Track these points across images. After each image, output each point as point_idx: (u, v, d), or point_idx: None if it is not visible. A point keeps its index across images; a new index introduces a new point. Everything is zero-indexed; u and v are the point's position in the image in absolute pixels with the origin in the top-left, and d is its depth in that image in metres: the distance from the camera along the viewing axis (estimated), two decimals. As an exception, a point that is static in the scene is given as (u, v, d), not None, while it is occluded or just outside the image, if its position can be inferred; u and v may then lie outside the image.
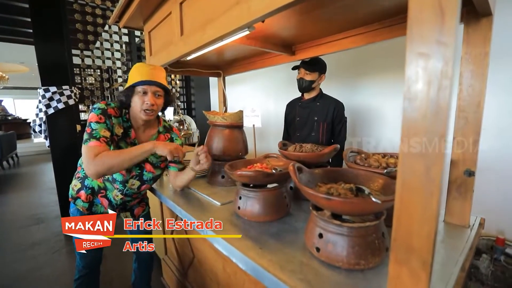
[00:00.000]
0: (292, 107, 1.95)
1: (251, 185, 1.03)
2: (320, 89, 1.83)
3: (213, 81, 3.92)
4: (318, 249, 0.72)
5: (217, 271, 1.18)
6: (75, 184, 1.24)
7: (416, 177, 0.47)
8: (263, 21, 0.82)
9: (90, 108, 1.14)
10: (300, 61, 1.67)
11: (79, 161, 1.26)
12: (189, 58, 1.39)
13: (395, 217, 0.51)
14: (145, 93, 1.12)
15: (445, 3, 0.41)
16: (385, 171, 0.81)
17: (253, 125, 1.29)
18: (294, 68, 1.79)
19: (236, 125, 1.37)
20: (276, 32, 1.16)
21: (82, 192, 1.20)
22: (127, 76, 1.15)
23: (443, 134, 0.43)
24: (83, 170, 1.20)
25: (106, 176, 1.18)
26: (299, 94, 1.94)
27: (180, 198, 1.28)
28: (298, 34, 1.22)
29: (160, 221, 1.73)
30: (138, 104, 1.12)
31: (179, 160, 1.31)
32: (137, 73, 1.12)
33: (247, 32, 0.90)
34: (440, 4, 0.42)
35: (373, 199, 0.57)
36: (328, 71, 1.74)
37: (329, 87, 1.91)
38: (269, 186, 1.02)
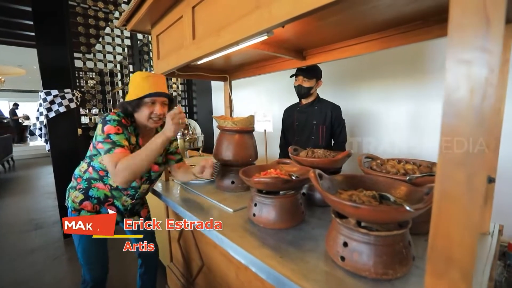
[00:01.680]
0: (289, 112, 2.02)
1: (264, 191, 1.01)
2: (317, 94, 1.90)
3: (215, 84, 3.91)
4: (343, 258, 0.70)
5: (229, 279, 1.16)
6: (75, 196, 1.17)
7: (457, 186, 0.46)
8: (283, 27, 0.81)
9: (100, 121, 1.12)
10: (296, 69, 1.75)
11: (77, 172, 1.22)
12: (200, 62, 1.38)
13: (432, 227, 0.49)
14: (153, 103, 1.15)
15: (491, 7, 0.40)
16: (407, 178, 0.80)
17: (265, 130, 1.28)
18: (292, 76, 1.88)
19: (247, 130, 1.35)
20: (290, 37, 1.16)
21: (87, 203, 1.16)
22: (128, 80, 1.15)
23: (489, 144, 0.42)
24: (85, 182, 1.18)
25: (115, 185, 1.18)
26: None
27: (189, 204, 1.26)
28: (311, 39, 1.22)
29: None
30: (147, 114, 1.14)
31: (176, 150, 1.39)
32: (144, 83, 1.12)
33: (265, 37, 0.89)
34: (485, 8, 0.41)
35: (407, 207, 0.56)
36: (326, 76, 1.80)
37: (327, 92, 1.94)
38: (281, 192, 1.00)
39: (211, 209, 1.19)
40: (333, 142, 1.90)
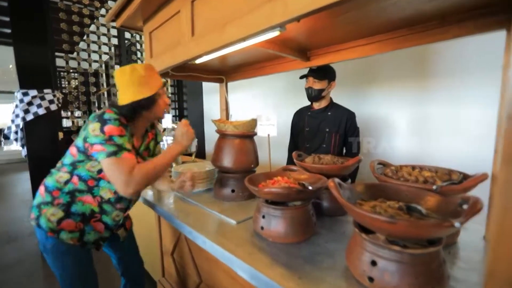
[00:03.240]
0: (300, 116, 1.84)
1: (270, 201, 0.92)
2: (330, 98, 1.74)
3: (206, 86, 3.80)
4: (371, 279, 0.62)
5: (231, 299, 1.05)
6: (52, 214, 0.97)
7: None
8: (298, 21, 0.74)
9: (94, 119, 0.95)
10: (308, 68, 1.61)
11: (51, 184, 1.00)
12: (198, 61, 1.28)
13: (493, 248, 0.43)
14: (162, 93, 1.07)
15: None
16: (434, 187, 0.74)
17: (268, 135, 1.19)
18: (302, 77, 1.70)
19: (248, 135, 1.26)
20: (296, 35, 1.09)
21: (69, 221, 0.98)
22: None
23: None
24: (66, 195, 0.98)
25: (107, 198, 1.03)
26: (300, 102, 1.86)
27: (186, 215, 1.15)
28: (318, 38, 1.16)
29: (158, 240, 1.58)
30: (163, 105, 1.07)
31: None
32: (150, 75, 1.03)
33: (277, 33, 0.81)
34: None
35: (456, 223, 0.49)
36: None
37: (337, 95, 1.86)
38: (291, 203, 0.92)
39: (211, 221, 1.08)
40: (344, 150, 1.76)
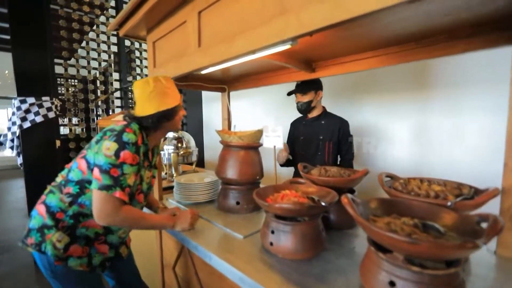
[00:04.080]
0: (295, 126, 1.92)
1: (279, 216, 0.90)
2: (323, 107, 1.82)
3: (205, 94, 3.79)
4: (389, 301, 0.60)
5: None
6: (58, 239, 0.88)
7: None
8: (311, 35, 0.74)
9: (111, 137, 0.87)
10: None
11: (54, 203, 0.90)
12: (204, 72, 1.27)
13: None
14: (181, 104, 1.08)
15: None
16: (449, 203, 0.73)
17: (274, 146, 1.18)
18: (289, 94, 1.79)
19: (253, 146, 1.25)
20: (302, 48, 1.09)
21: (76, 246, 0.91)
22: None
23: None
24: (71, 218, 0.90)
25: None
26: (298, 113, 1.90)
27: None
28: (324, 50, 1.16)
29: (159, 252, 1.54)
30: (181, 116, 1.08)
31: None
32: (172, 86, 1.04)
33: (288, 46, 0.81)
34: None
35: (482, 244, 0.48)
36: (332, 89, 1.72)
37: (328, 105, 1.88)
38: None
39: (217, 235, 1.05)
40: (339, 159, 1.80)
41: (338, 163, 1.81)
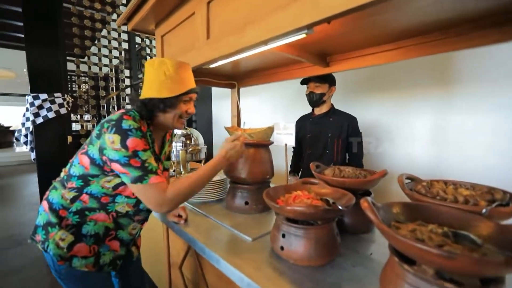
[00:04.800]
0: (302, 123, 1.86)
1: (290, 218, 0.84)
2: (331, 104, 1.76)
3: (215, 91, 3.76)
4: (416, 319, 0.53)
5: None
6: (61, 238, 0.83)
7: None
8: (328, 22, 0.67)
9: (110, 128, 0.78)
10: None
11: (56, 200, 0.87)
12: (213, 65, 1.22)
13: None
14: (190, 100, 0.94)
15: None
16: (483, 211, 0.65)
17: (285, 145, 1.12)
18: (303, 83, 1.73)
19: (264, 144, 1.19)
20: (319, 39, 1.02)
21: (82, 245, 0.85)
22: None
23: None
24: (75, 215, 0.85)
25: (124, 211, 0.91)
26: (309, 110, 1.83)
27: (197, 228, 1.08)
28: (339, 43, 1.09)
29: (166, 250, 1.51)
30: (179, 113, 0.92)
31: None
32: (181, 75, 0.89)
33: (303, 36, 0.74)
34: None
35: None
36: (343, 85, 1.65)
37: (339, 102, 1.80)
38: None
39: (224, 237, 1.01)
40: (347, 156, 1.74)
41: (347, 161, 1.74)
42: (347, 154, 1.75)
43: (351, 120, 1.69)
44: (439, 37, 0.91)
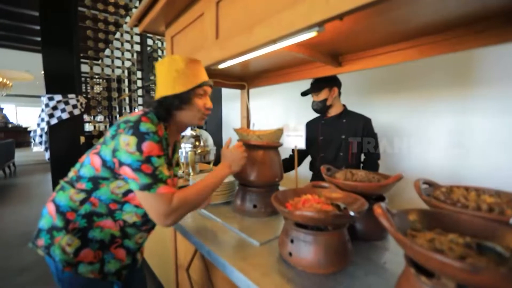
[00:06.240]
0: (312, 126, 1.78)
1: (299, 223, 0.81)
2: (343, 105, 1.70)
3: (225, 92, 3.76)
4: (435, 337, 0.49)
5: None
6: (68, 243, 0.79)
7: None
8: (341, 19, 0.64)
9: (127, 129, 0.75)
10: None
11: (63, 202, 0.83)
12: (221, 66, 1.21)
13: None
14: (204, 93, 0.92)
15: None
16: (511, 220, 0.60)
17: (295, 147, 1.09)
18: (303, 94, 1.70)
19: (273, 146, 1.16)
20: (331, 37, 0.98)
21: (87, 251, 0.82)
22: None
23: None
24: (82, 219, 0.82)
25: (132, 221, 0.88)
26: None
27: (204, 231, 1.06)
28: (352, 41, 1.05)
29: (173, 252, 1.50)
30: (198, 107, 0.90)
31: None
32: (193, 69, 0.87)
33: (314, 34, 0.72)
34: None
35: None
36: (351, 86, 1.59)
37: (352, 103, 1.75)
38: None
39: (231, 240, 0.98)
40: (363, 157, 1.68)
41: (362, 164, 1.68)
42: (362, 156, 1.68)
43: (366, 121, 1.63)
44: (464, 32, 0.85)
